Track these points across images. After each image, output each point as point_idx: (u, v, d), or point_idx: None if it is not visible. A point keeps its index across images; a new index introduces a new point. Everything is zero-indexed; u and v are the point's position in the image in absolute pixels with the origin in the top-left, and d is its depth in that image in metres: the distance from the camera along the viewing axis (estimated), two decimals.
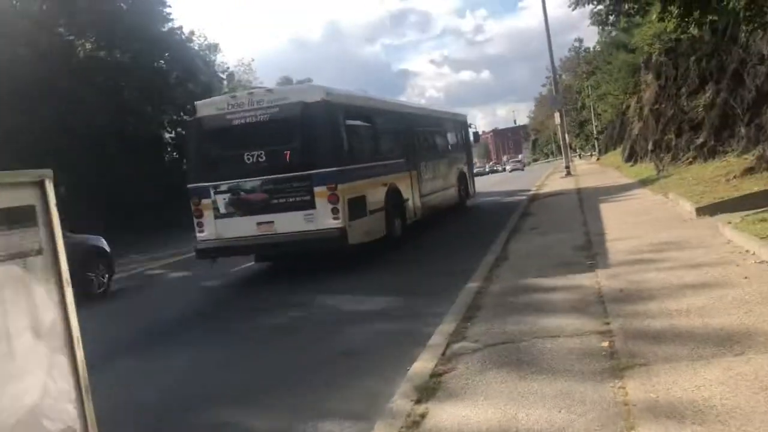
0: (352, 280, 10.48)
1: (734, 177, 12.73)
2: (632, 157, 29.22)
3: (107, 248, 13.10)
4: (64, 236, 8.68)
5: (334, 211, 10.89)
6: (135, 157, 34.63)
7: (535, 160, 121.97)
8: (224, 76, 52.60)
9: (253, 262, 13.52)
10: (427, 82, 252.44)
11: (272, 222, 11.20)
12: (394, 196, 13.44)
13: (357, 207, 11.51)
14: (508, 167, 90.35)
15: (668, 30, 17.10)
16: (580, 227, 12.00)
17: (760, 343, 4.52)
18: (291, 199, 11.09)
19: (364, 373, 5.81)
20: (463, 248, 12.49)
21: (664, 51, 26.47)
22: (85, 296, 10.98)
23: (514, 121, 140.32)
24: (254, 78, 59.73)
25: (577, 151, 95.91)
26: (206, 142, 11.79)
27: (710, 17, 10.18)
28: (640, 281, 6.92)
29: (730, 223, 8.63)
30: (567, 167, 31.20)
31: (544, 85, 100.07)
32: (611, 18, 9.84)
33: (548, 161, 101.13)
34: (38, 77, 27.14)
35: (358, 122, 12.81)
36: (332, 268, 11.50)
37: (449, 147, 20.40)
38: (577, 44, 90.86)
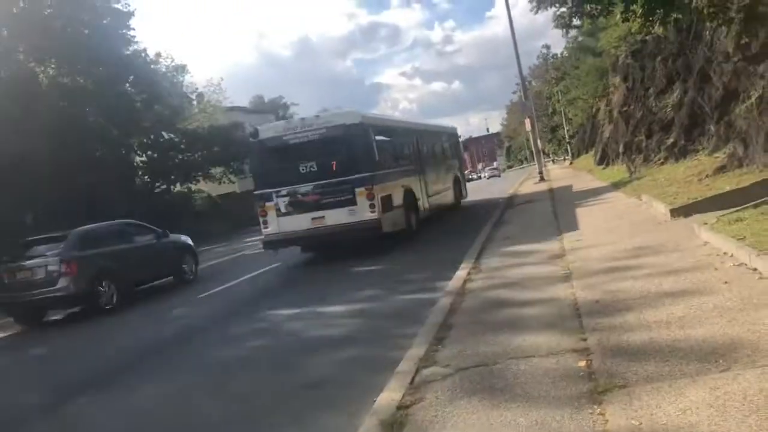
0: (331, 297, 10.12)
1: (707, 176, 12.57)
2: (604, 159, 29.18)
3: (192, 244, 16.56)
4: (163, 238, 15.41)
5: (372, 206, 13.98)
6: (103, 183, 33.98)
7: (510, 167, 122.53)
8: (194, 97, 52.11)
9: (224, 286, 13.85)
10: (399, 94, 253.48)
11: (323, 217, 14.22)
12: (409, 195, 16.39)
13: (387, 203, 14.61)
14: (485, 174, 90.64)
15: (633, 30, 17.07)
16: (554, 234, 11.73)
17: (746, 356, 4.22)
18: (337, 199, 14.10)
19: (328, 406, 5.42)
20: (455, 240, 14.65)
21: (630, 53, 26.51)
22: (181, 282, 15.35)
23: (487, 129, 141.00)
24: (224, 98, 59.29)
25: (551, 156, 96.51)
26: (268, 158, 15.01)
27: (674, 15, 10.01)
28: (617, 291, 6.62)
29: (705, 224, 8.39)
30: (540, 173, 31.08)
31: (514, 93, 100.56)
32: (574, 20, 9.62)
33: (522, 167, 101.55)
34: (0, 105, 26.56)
35: (383, 138, 16.12)
36: (297, 286, 11.15)
37: (446, 155, 23.57)
38: (545, 50, 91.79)
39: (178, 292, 14.51)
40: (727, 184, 11.28)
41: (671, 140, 18.30)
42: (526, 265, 9.29)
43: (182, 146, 49.11)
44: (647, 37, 23.39)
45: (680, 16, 10.60)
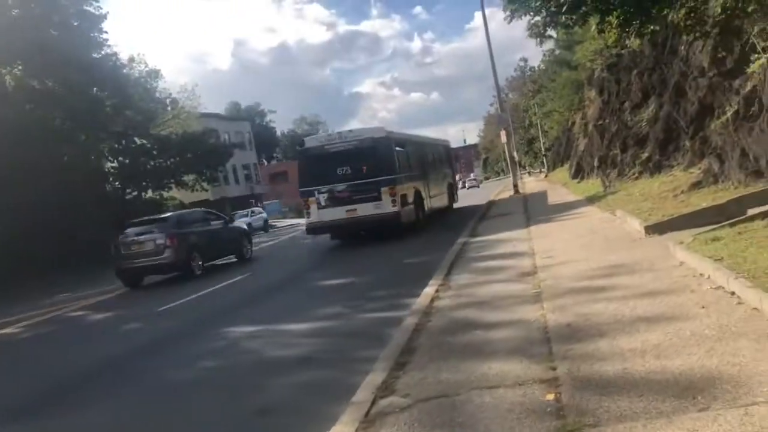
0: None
1: (682, 192, 12.35)
2: (579, 173, 29.07)
3: (248, 229, 22.65)
4: (228, 224, 20.36)
5: (393, 202, 17.66)
6: (72, 188, 33.11)
7: (487, 178, 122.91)
8: (167, 103, 51.30)
9: (185, 300, 13.36)
10: (378, 104, 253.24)
11: (355, 209, 17.83)
12: (418, 196, 20.13)
13: (404, 200, 18.38)
14: (466, 184, 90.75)
15: (609, 42, 16.92)
16: (526, 249, 11.40)
17: (726, 392, 3.87)
18: (366, 195, 17.67)
19: None
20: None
21: (606, 66, 26.51)
22: (240, 261, 19.56)
23: (464, 141, 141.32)
24: (198, 104, 58.40)
25: (527, 168, 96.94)
26: (311, 162, 18.64)
27: (650, 27, 9.77)
28: (589, 313, 6.27)
29: (681, 243, 8.09)
30: (515, 185, 30.88)
31: (491, 105, 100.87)
32: (549, 30, 9.36)
33: (499, 179, 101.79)
34: None
35: (401, 149, 20.05)
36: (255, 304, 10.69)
37: (443, 165, 27.24)
38: (522, 63, 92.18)
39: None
40: (702, 200, 11.05)
41: (646, 155, 18.14)
42: (496, 283, 8.94)
43: (154, 152, 48.28)
44: (623, 51, 23.36)
45: (657, 28, 10.37)
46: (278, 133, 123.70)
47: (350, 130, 19.18)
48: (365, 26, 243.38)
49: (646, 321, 5.66)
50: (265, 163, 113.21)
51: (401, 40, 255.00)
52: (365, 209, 17.68)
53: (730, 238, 7.62)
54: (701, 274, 6.81)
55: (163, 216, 18.86)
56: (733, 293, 5.85)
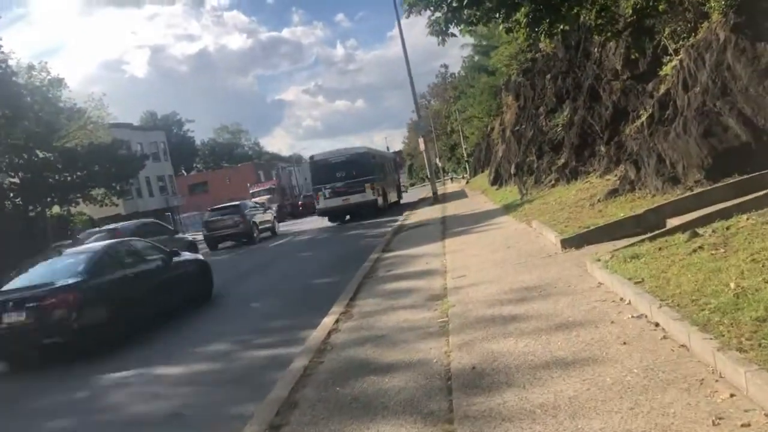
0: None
1: (598, 200, 11.79)
2: (498, 180, 28.71)
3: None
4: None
5: (372, 193, 28.34)
6: None
7: (413, 185, 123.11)
8: (73, 113, 48.36)
9: None
10: (303, 111, 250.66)
11: (348, 198, 28.30)
12: (383, 190, 31.03)
13: (376, 192, 28.75)
14: None
15: (518, 41, 16.43)
16: (438, 267, 10.56)
17: None
18: (356, 189, 28.11)
19: None
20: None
21: (521, 71, 26.23)
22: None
23: (387, 148, 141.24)
24: (107, 114, 55.54)
25: (450, 173, 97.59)
26: (319, 170, 29.81)
27: (560, 26, 9.11)
28: (498, 352, 5.41)
29: (599, 260, 7.38)
30: (434, 193, 30.26)
31: (414, 111, 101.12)
32: (451, 27, 8.57)
33: (424, 185, 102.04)
34: None
35: (373, 159, 31.17)
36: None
37: (394, 170, 40.94)
38: (443, 70, 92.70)
39: None
40: (619, 209, 10.48)
41: (562, 161, 17.71)
42: (402, 309, 8.02)
43: (59, 166, 45.50)
44: (537, 55, 23.07)
45: (567, 28, 9.72)
46: (198, 142, 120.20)
47: (344, 148, 31.46)
48: (287, 33, 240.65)
49: (561, 363, 4.83)
50: (184, 173, 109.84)
51: (324, 48, 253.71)
52: (355, 198, 28.62)
53: (650, 255, 6.93)
54: (621, 299, 6.08)
55: (236, 203, 28.70)
56: (657, 325, 5.11)
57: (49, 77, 45.24)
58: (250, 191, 59.01)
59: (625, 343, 4.91)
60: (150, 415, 6.25)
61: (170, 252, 11.81)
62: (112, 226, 24.93)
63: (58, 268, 9.86)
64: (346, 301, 9.24)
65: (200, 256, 14.44)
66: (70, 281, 9.03)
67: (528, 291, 7.40)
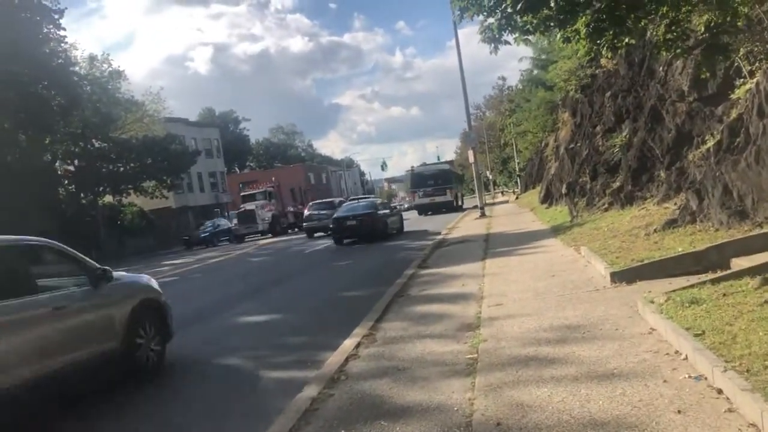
0: None
1: (655, 231, 10.87)
2: (548, 198, 27.65)
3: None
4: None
5: (452, 195, 45.80)
6: (14, 190, 30.95)
7: (462, 195, 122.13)
8: (129, 106, 49.14)
9: None
10: (358, 116, 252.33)
11: (434, 198, 44.86)
12: (456, 195, 49.08)
13: (455, 195, 47.70)
14: None
15: (579, 55, 15.58)
16: (475, 291, 9.83)
17: None
18: (441, 192, 44.98)
19: None
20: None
21: (579, 87, 25.23)
22: None
23: (438, 157, 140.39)
24: (164, 108, 56.39)
25: (501, 187, 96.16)
26: (417, 177, 48.64)
27: (626, 40, 8.31)
28: (528, 406, 4.69)
29: (652, 302, 6.55)
30: (481, 208, 29.38)
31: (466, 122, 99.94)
32: (504, 35, 7.89)
33: (472, 196, 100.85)
34: None
35: (452, 174, 52.57)
36: None
37: (460, 182, 59.84)
38: (500, 82, 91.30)
39: None
40: (678, 243, 9.56)
41: (617, 184, 16.71)
42: (429, 339, 7.33)
43: (112, 156, 46.26)
44: (597, 71, 22.07)
45: (632, 41, 8.90)
46: (252, 141, 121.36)
47: (433, 163, 56.26)
48: (347, 38, 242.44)
49: (599, 428, 4.11)
50: (237, 171, 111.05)
51: (383, 54, 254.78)
52: (439, 198, 43.16)
53: (712, 302, 6.09)
54: (677, 352, 5.27)
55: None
56: (720, 392, 4.30)
57: (110, 69, 46.13)
58: (241, 194, 51.51)
59: (679, 412, 4.13)
60: None
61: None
62: None
63: None
64: (371, 322, 8.59)
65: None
66: None
67: (570, 330, 6.63)
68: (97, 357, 6.72)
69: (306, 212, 34.84)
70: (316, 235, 32.64)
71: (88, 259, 7.27)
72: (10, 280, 6.08)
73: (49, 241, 7.05)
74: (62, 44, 35.46)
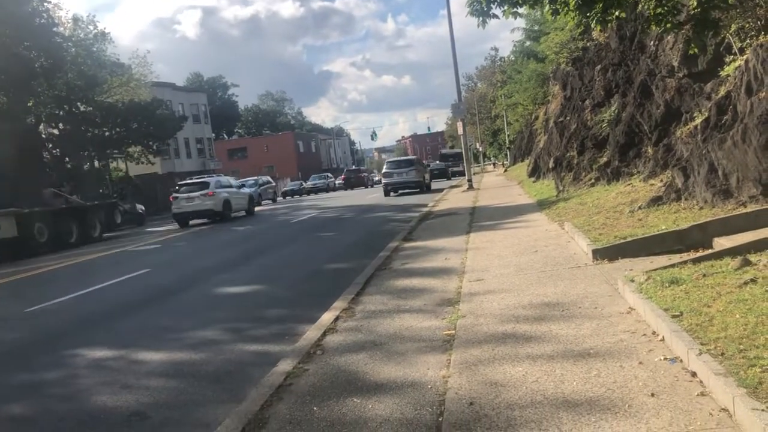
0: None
1: (639, 207, 10.82)
2: (536, 171, 27.56)
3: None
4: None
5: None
6: (3, 155, 30.41)
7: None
8: (117, 68, 48.28)
9: (63, 298, 11.60)
10: (349, 84, 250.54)
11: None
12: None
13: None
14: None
15: (568, 26, 15.36)
16: (457, 266, 9.78)
17: None
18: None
19: None
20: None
21: (571, 60, 25.01)
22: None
23: (428, 129, 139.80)
24: (151, 72, 55.48)
25: (491, 159, 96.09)
26: (441, 156, 73.82)
27: (615, 13, 8.14)
28: (502, 384, 4.64)
29: (632, 281, 6.50)
30: (469, 180, 29.29)
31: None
32: (493, 7, 7.67)
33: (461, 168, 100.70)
34: None
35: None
36: None
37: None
38: (493, 53, 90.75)
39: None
40: (662, 220, 9.52)
41: (604, 159, 16.62)
42: (407, 313, 7.27)
43: (97, 120, 45.59)
44: (589, 44, 21.85)
45: (622, 15, 8.72)
46: (241, 107, 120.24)
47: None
48: (339, 4, 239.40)
49: (572, 411, 4.04)
50: (225, 138, 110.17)
51: (375, 21, 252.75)
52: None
53: (692, 282, 6.04)
54: (654, 333, 5.24)
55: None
56: (694, 375, 4.27)
57: (95, 31, 45.19)
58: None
59: (653, 395, 4.09)
60: (112, 410, 5.61)
61: None
62: None
63: None
64: (351, 295, 8.53)
65: None
66: None
67: (549, 308, 6.58)
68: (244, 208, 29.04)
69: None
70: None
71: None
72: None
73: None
74: (45, 3, 34.67)
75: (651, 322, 5.43)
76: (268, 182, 54.71)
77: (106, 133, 46.31)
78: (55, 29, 34.31)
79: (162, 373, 6.50)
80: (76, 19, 43.00)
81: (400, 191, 35.35)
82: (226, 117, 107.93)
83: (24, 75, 29.39)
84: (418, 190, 34.69)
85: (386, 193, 34.56)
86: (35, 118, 41.70)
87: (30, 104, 36.92)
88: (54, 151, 45.31)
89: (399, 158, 45.92)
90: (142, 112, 46.22)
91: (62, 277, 15.18)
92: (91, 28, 45.04)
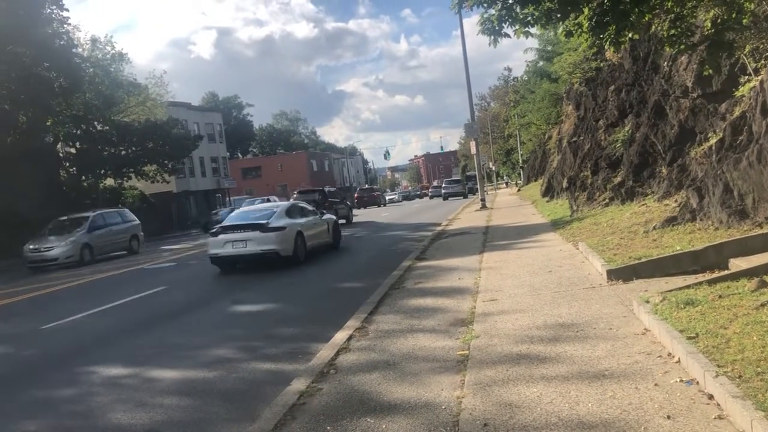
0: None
1: (654, 228, 10.77)
2: (549, 191, 27.51)
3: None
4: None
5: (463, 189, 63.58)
6: (21, 173, 30.82)
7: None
8: (131, 89, 48.83)
9: (79, 315, 11.59)
10: (362, 104, 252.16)
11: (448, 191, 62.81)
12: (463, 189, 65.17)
13: (462, 189, 64.73)
14: (441, 191, 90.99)
15: (582, 48, 15.42)
16: (470, 286, 9.76)
17: None
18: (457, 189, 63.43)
19: None
20: None
21: (584, 80, 25.05)
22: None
23: (441, 148, 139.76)
24: (167, 91, 56.04)
25: (504, 178, 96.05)
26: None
27: (629, 35, 8.18)
28: (517, 406, 4.62)
29: (647, 302, 6.47)
30: (482, 200, 29.26)
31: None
32: (505, 26, 7.73)
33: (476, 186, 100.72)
34: None
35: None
36: None
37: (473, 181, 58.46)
38: (506, 72, 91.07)
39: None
40: (677, 241, 9.47)
41: (618, 179, 16.58)
42: (421, 333, 7.27)
43: (114, 139, 46.06)
44: (602, 65, 21.89)
45: (635, 37, 8.76)
46: (256, 127, 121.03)
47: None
48: (353, 25, 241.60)
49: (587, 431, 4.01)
50: (240, 156, 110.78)
51: (388, 42, 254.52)
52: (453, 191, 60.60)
53: (708, 303, 6.01)
54: (669, 355, 5.20)
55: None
56: (711, 398, 4.23)
57: (112, 51, 45.79)
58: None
59: (669, 418, 4.06)
60: (126, 430, 5.63)
61: None
62: None
63: None
64: (364, 314, 8.54)
65: None
66: None
67: (563, 329, 6.56)
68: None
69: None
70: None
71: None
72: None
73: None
74: (65, 25, 35.17)
75: (666, 344, 5.39)
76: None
77: (122, 152, 46.74)
78: (74, 50, 34.80)
79: (176, 391, 6.52)
80: (94, 40, 43.60)
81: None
82: (241, 136, 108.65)
83: (43, 95, 29.78)
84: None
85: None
86: (53, 136, 42.25)
87: (48, 123, 37.41)
88: (71, 170, 45.81)
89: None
90: (157, 131, 46.64)
91: (78, 293, 15.27)
92: (109, 48, 45.64)
